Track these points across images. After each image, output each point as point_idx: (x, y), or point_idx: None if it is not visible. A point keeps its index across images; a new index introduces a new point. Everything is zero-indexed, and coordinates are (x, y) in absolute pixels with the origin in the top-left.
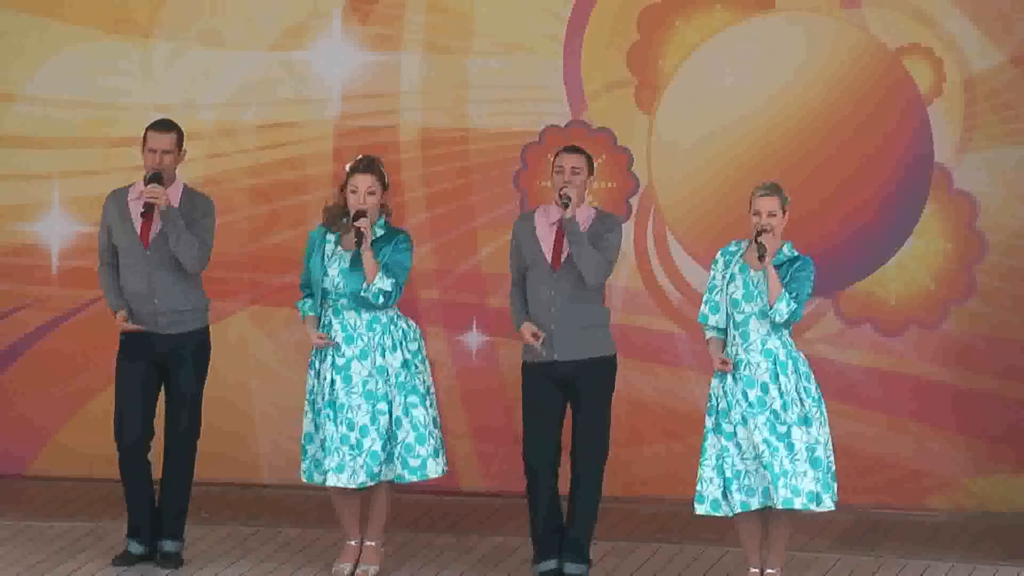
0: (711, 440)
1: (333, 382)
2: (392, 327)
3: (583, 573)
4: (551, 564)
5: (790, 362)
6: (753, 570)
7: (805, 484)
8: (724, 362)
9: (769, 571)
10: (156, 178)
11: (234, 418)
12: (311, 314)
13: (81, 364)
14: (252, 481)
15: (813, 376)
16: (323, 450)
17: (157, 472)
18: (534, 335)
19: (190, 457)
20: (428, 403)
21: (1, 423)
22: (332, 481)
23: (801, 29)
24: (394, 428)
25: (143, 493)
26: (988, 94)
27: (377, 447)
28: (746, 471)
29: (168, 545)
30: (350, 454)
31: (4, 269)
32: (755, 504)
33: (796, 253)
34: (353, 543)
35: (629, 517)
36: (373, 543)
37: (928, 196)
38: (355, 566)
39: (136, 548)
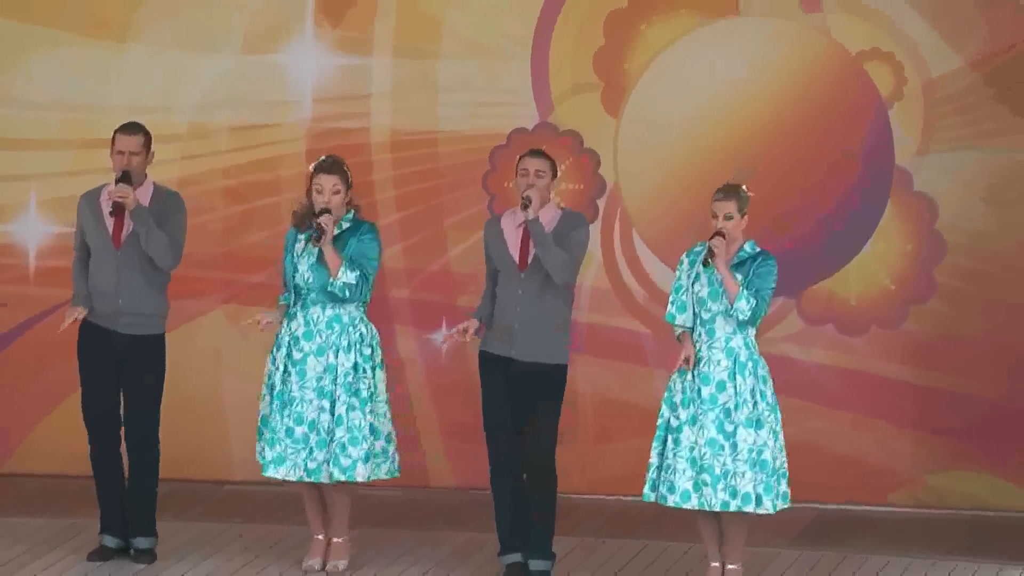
0: (660, 431)
1: (288, 374)
2: (351, 328)
3: (548, 569)
4: (516, 557)
5: (750, 363)
6: (714, 564)
7: (743, 485)
8: (687, 359)
9: (730, 566)
10: (125, 178)
11: (207, 416)
12: (282, 303)
13: (56, 363)
14: (224, 478)
15: (771, 381)
16: (271, 442)
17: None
18: (463, 330)
19: (152, 455)
20: (368, 408)
21: None
22: (271, 472)
23: (764, 33)
24: (334, 426)
25: (114, 488)
26: (947, 98)
27: (314, 443)
28: (676, 466)
29: (142, 542)
30: (292, 447)
31: None
32: (692, 503)
33: (759, 250)
34: (320, 538)
35: (595, 513)
36: (339, 539)
37: (888, 198)
38: (324, 562)
39: (110, 542)
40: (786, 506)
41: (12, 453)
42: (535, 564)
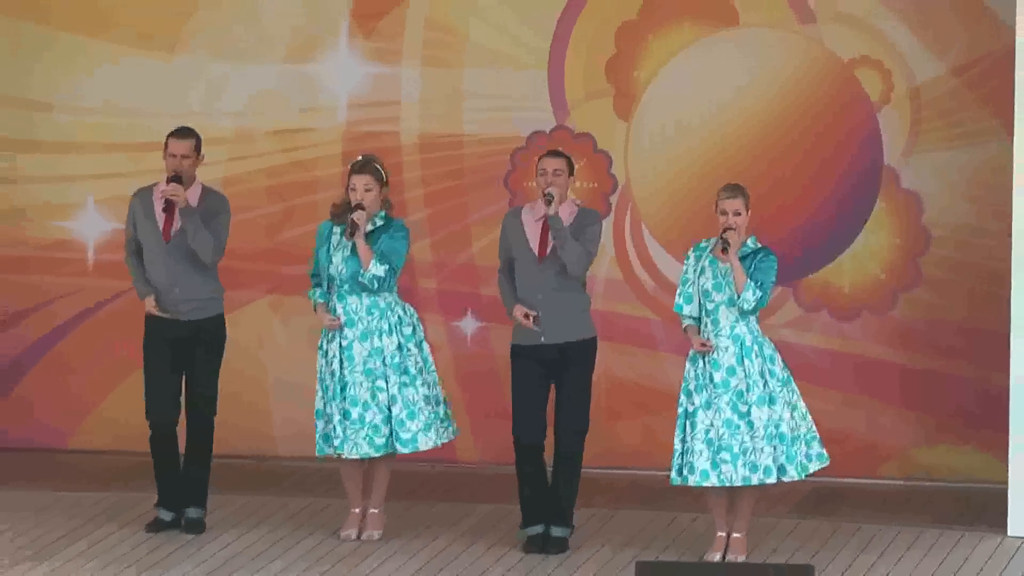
0: (682, 417)
1: (341, 362)
2: (389, 312)
3: (567, 536)
4: (538, 528)
5: (755, 347)
6: (720, 534)
7: (763, 460)
8: (703, 344)
9: (735, 535)
10: (176, 179)
11: (252, 397)
12: (321, 301)
13: (114, 348)
14: (268, 454)
15: (779, 358)
16: (332, 425)
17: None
18: (526, 315)
19: (208, 433)
20: (420, 382)
21: (44, 401)
22: (342, 453)
23: (762, 43)
24: (390, 405)
25: (171, 466)
26: (932, 102)
27: (378, 420)
28: (694, 448)
29: (192, 512)
30: (351, 427)
31: (45, 262)
32: (714, 481)
33: (759, 246)
34: (357, 511)
35: (609, 486)
36: (376, 510)
37: (878, 195)
38: (360, 532)
39: (165, 515)
40: (823, 465)
41: (75, 431)
42: (556, 530)
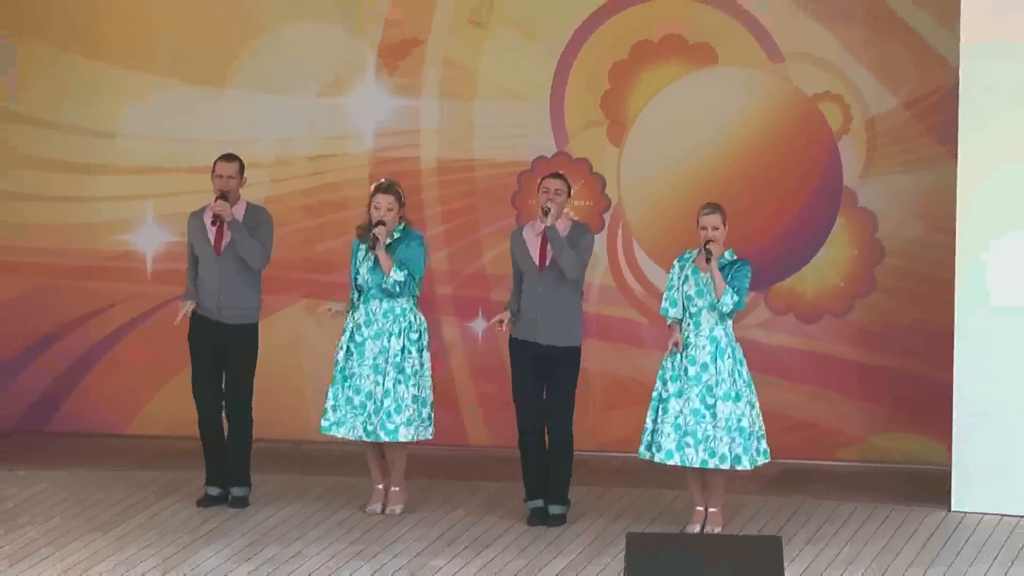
0: (655, 401)
1: (351, 354)
2: (402, 318)
3: (564, 512)
4: (538, 502)
5: (729, 349)
6: (698, 508)
7: (721, 448)
8: (676, 343)
9: (711, 510)
10: (223, 197)
11: (288, 388)
12: (351, 299)
13: (168, 347)
14: (302, 439)
15: (746, 363)
16: (335, 407)
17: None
18: (499, 321)
19: (247, 420)
20: (412, 383)
21: (107, 393)
22: (333, 432)
23: (738, 80)
24: (383, 398)
25: (217, 448)
26: (886, 131)
27: (372, 409)
28: (667, 430)
29: (237, 491)
30: (351, 413)
31: (108, 271)
32: (679, 461)
33: (736, 257)
34: (380, 487)
35: (601, 467)
36: (397, 488)
37: (838, 212)
38: (384, 506)
39: (213, 491)
40: (766, 461)
41: (134, 419)
42: (553, 508)
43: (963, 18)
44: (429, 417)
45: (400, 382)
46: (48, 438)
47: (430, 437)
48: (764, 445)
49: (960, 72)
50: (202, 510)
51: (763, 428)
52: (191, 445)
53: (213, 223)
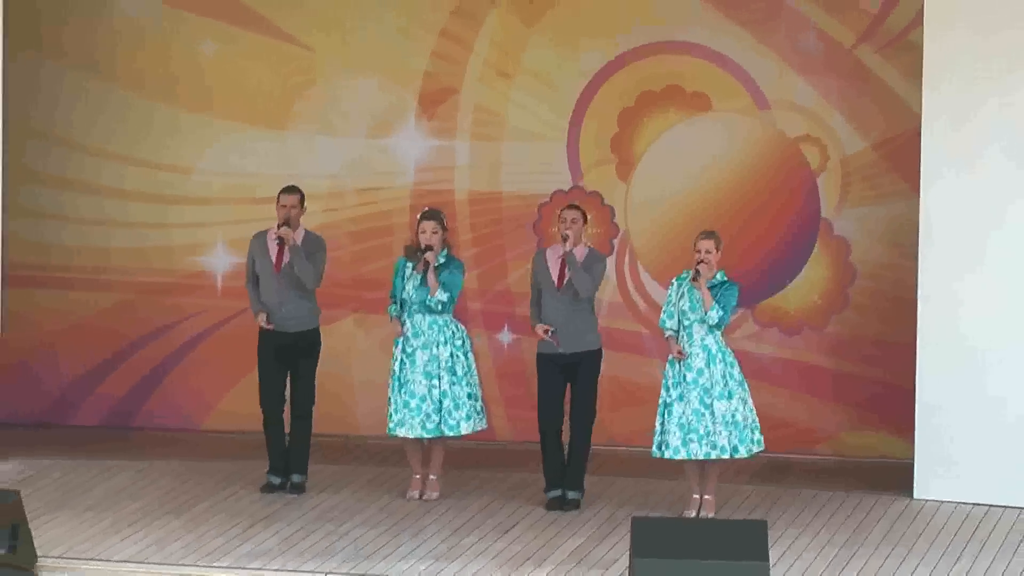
0: (662, 407)
1: (404, 363)
2: (445, 328)
3: (579, 498)
4: (557, 492)
5: (719, 355)
6: (695, 496)
7: (720, 441)
8: (680, 352)
9: (706, 496)
10: (286, 225)
11: (341, 391)
12: (395, 316)
13: (236, 353)
14: (352, 434)
15: (737, 364)
16: (396, 412)
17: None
18: (544, 331)
19: (308, 417)
20: (464, 383)
21: (183, 394)
22: (398, 433)
23: (730, 124)
24: (441, 399)
25: (279, 442)
26: (857, 170)
27: (430, 410)
28: (673, 429)
29: (296, 478)
30: (409, 415)
31: (185, 288)
32: (684, 455)
33: (726, 279)
34: (418, 477)
35: (609, 460)
36: (434, 477)
37: (816, 240)
38: (423, 493)
39: (275, 480)
40: (760, 450)
41: (207, 416)
42: (571, 494)
43: (925, 73)
44: (482, 410)
45: (454, 383)
46: (131, 433)
47: (485, 427)
48: (758, 436)
49: (922, 119)
50: (264, 495)
51: (756, 421)
52: (255, 439)
53: (279, 244)
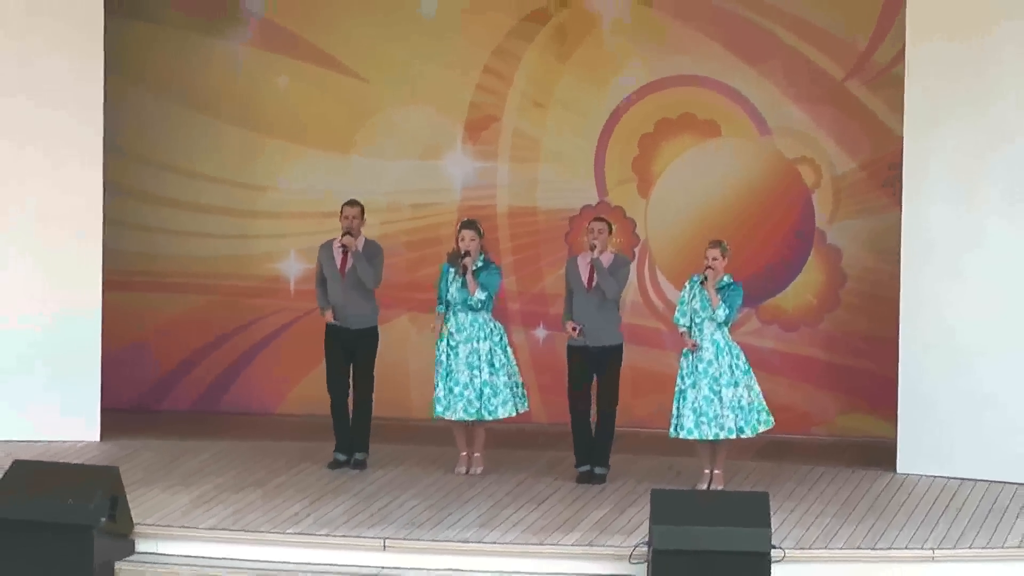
0: (678, 393)
1: (449, 356)
2: (484, 326)
3: (605, 473)
4: (586, 467)
5: (727, 348)
6: (706, 471)
7: (728, 423)
8: (694, 344)
9: (716, 471)
10: (349, 233)
11: (397, 379)
12: (440, 313)
13: (307, 347)
14: (406, 417)
15: (743, 355)
16: (439, 396)
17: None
18: (572, 328)
19: (369, 402)
20: (502, 373)
21: (261, 382)
22: (446, 416)
23: (736, 148)
24: (482, 388)
25: (344, 424)
26: (847, 187)
27: (472, 397)
28: (687, 412)
29: (359, 455)
30: (454, 401)
31: (263, 291)
32: (697, 436)
33: (732, 281)
34: (464, 455)
35: (631, 440)
36: (478, 454)
37: (812, 248)
38: (468, 468)
39: (340, 457)
40: (768, 428)
41: (281, 402)
42: (598, 470)
43: (906, 103)
44: (523, 395)
45: (493, 374)
46: (215, 417)
47: (527, 409)
48: (765, 416)
49: (904, 143)
50: (331, 471)
51: (763, 402)
52: (323, 422)
53: (343, 251)
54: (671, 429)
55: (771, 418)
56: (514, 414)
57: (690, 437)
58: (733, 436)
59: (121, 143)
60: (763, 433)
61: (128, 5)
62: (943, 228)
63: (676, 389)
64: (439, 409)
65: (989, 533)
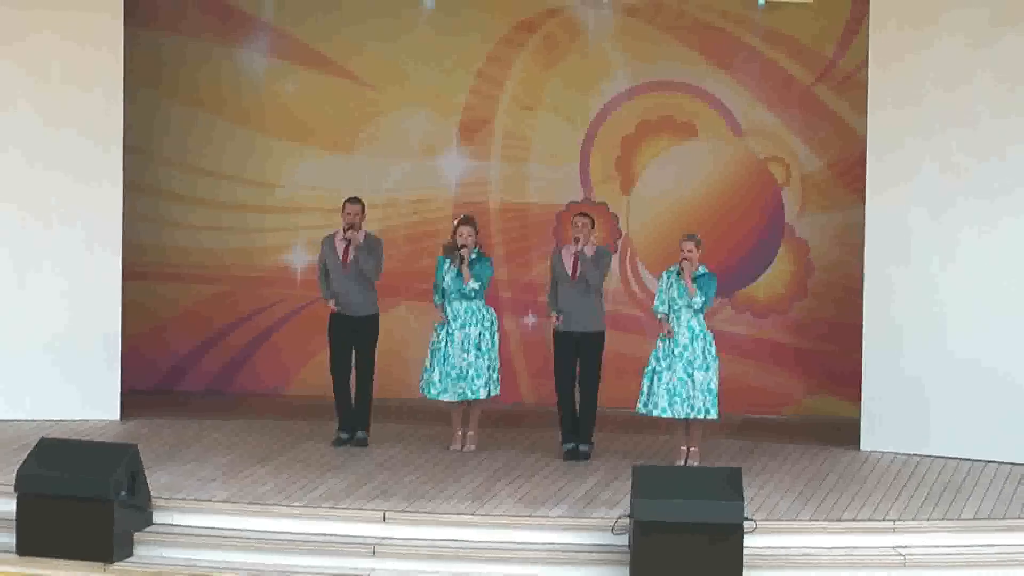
0: (650, 372)
1: (446, 342)
2: (477, 313)
3: (589, 450)
4: (571, 444)
5: (701, 334)
6: (682, 448)
7: (698, 404)
8: (669, 331)
9: (692, 448)
10: (352, 227)
11: (397, 362)
12: (438, 304)
13: (312, 333)
14: (405, 397)
15: (714, 343)
16: (434, 379)
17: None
18: (556, 317)
19: (370, 384)
20: (486, 357)
21: (269, 365)
22: (438, 397)
23: (711, 148)
24: (467, 368)
25: (346, 405)
26: (815, 184)
27: (458, 377)
28: (661, 392)
29: (361, 434)
30: (448, 383)
31: (272, 280)
32: (670, 414)
33: (707, 271)
34: (459, 433)
35: (612, 419)
36: (472, 432)
37: (781, 240)
38: (462, 446)
39: (343, 435)
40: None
41: (290, 383)
42: (582, 447)
43: (869, 106)
44: (496, 380)
45: (478, 357)
46: (228, 397)
47: (498, 393)
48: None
49: (867, 143)
50: (335, 448)
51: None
52: (327, 403)
53: (346, 244)
54: (639, 405)
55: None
56: (491, 396)
57: (664, 415)
58: (702, 417)
59: (141, 144)
60: (726, 419)
61: (152, 18)
62: (901, 223)
63: (648, 368)
64: (432, 392)
65: (945, 506)
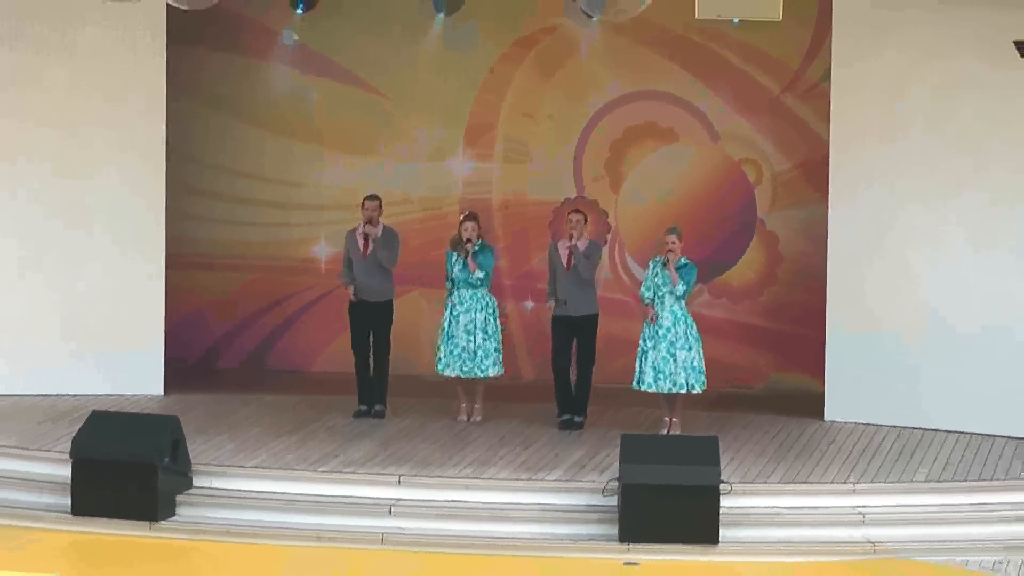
0: (640, 353)
1: (452, 323)
2: (481, 299)
3: (582, 421)
4: (567, 416)
5: (683, 318)
6: (666, 419)
7: (680, 379)
8: (653, 316)
9: (674, 419)
10: (370, 222)
11: (410, 342)
12: (448, 287)
13: (336, 316)
14: (420, 374)
15: (695, 325)
16: (440, 356)
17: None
18: (551, 305)
19: (386, 362)
20: (492, 339)
21: (298, 345)
22: (447, 373)
23: (691, 152)
24: (476, 351)
25: (366, 380)
26: (784, 183)
27: (467, 357)
28: (648, 370)
29: (379, 407)
30: (454, 360)
31: (300, 269)
32: (655, 389)
33: (687, 261)
34: (465, 406)
35: (603, 394)
36: (478, 405)
37: (754, 233)
38: (469, 417)
39: (363, 408)
40: (703, 389)
41: (316, 361)
42: (576, 419)
43: (832, 113)
44: (500, 361)
45: (485, 339)
46: (261, 374)
47: (503, 373)
48: (703, 378)
49: (831, 146)
50: (355, 420)
51: (703, 366)
52: (349, 378)
53: (365, 238)
54: (634, 383)
55: (705, 380)
56: (498, 375)
57: (649, 390)
58: (684, 391)
59: (180, 148)
60: (704, 393)
61: (193, 35)
62: (861, 218)
63: (639, 350)
64: (440, 367)
65: (900, 470)
